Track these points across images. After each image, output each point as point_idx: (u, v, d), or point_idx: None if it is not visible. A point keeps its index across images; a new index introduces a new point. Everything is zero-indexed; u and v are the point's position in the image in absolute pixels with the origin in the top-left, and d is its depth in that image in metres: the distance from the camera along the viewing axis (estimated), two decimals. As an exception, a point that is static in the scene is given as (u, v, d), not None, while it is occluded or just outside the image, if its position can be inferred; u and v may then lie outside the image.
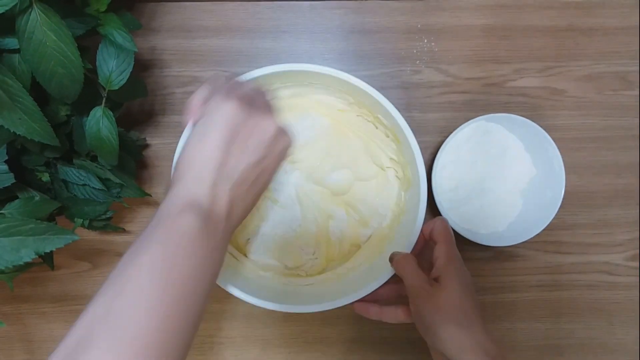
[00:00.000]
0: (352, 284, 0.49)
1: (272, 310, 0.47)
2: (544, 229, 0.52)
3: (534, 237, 0.52)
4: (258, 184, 0.36)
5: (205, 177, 0.33)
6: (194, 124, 0.36)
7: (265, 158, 0.36)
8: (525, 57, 0.58)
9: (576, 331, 0.58)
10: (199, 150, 0.34)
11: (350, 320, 0.57)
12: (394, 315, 0.46)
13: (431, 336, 0.40)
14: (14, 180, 0.43)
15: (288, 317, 0.57)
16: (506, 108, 0.58)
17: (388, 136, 0.53)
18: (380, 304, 0.47)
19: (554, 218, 0.52)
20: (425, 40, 0.58)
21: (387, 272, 0.46)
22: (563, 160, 0.52)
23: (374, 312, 0.47)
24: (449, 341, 0.39)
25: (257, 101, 0.37)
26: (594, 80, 0.59)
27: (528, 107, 0.58)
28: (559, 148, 0.52)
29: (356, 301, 0.47)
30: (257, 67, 0.47)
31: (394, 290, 0.49)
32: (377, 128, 0.54)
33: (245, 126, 0.34)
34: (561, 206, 0.52)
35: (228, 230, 0.34)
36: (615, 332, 0.58)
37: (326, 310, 0.46)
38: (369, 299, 0.47)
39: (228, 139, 0.33)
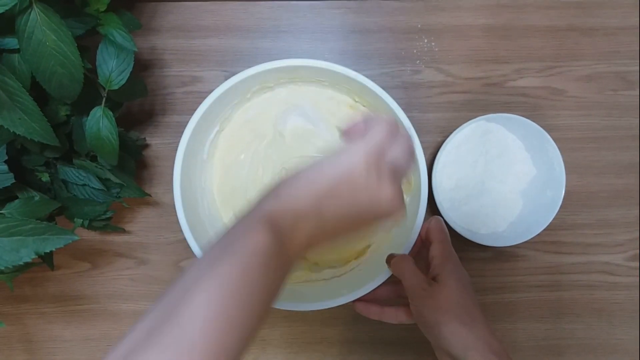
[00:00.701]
0: (350, 284, 0.49)
1: (272, 311, 0.46)
2: (544, 229, 0.52)
3: (534, 237, 0.52)
4: (345, 230, 0.34)
5: (296, 204, 0.31)
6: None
7: (367, 214, 0.33)
8: (526, 57, 0.58)
9: (576, 331, 0.58)
10: (306, 181, 0.32)
11: (350, 321, 0.57)
12: (394, 315, 0.46)
13: (435, 335, 0.40)
14: (14, 180, 0.43)
15: (288, 317, 0.57)
16: (506, 108, 0.58)
17: None
18: (380, 304, 0.47)
19: (554, 218, 0.52)
20: (426, 40, 0.58)
21: (384, 272, 0.47)
22: (563, 160, 0.52)
23: (375, 311, 0.47)
24: (453, 339, 0.39)
25: (397, 165, 0.34)
26: (594, 80, 0.59)
27: (528, 107, 0.58)
28: (559, 148, 0.52)
29: (356, 300, 0.47)
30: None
31: (393, 291, 0.49)
32: None
33: (365, 181, 0.32)
34: (561, 206, 0.52)
35: (294, 259, 0.33)
36: (616, 332, 0.58)
37: (325, 310, 0.46)
38: (368, 298, 0.47)
39: (337, 184, 0.32)
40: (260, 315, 0.30)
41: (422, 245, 0.48)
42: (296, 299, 0.47)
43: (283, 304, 0.46)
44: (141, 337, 0.26)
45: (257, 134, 0.54)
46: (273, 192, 0.33)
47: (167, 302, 0.28)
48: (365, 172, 0.32)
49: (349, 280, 0.52)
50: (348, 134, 0.36)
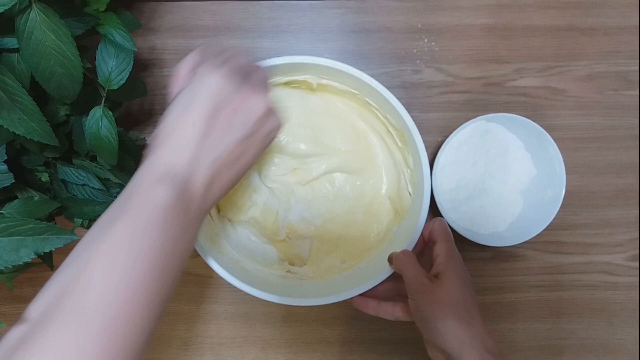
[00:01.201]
0: (351, 281, 0.49)
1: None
2: (544, 229, 0.52)
3: (534, 237, 0.52)
4: (240, 164, 0.34)
5: (185, 149, 0.31)
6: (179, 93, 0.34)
7: (251, 137, 0.34)
8: (526, 57, 0.58)
9: (577, 331, 0.58)
10: (181, 120, 0.32)
11: (349, 321, 0.57)
12: (391, 311, 0.46)
13: (430, 330, 0.40)
14: (14, 180, 0.43)
15: (287, 317, 0.57)
16: (506, 108, 0.58)
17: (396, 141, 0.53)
18: (378, 299, 0.47)
19: (555, 218, 0.52)
20: (426, 40, 0.58)
21: (385, 270, 0.47)
22: (563, 160, 0.52)
23: (371, 306, 0.47)
24: (449, 335, 0.39)
25: (251, 76, 0.35)
26: (595, 80, 0.59)
27: (528, 106, 0.58)
28: (559, 148, 0.52)
29: (355, 296, 0.47)
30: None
31: (393, 289, 0.49)
32: (388, 131, 0.54)
33: (233, 100, 0.33)
34: (562, 206, 0.52)
35: (203, 208, 0.33)
36: (616, 332, 0.58)
37: (325, 310, 0.46)
38: (366, 294, 0.47)
39: (212, 111, 0.32)
40: (170, 274, 0.29)
41: (425, 246, 0.49)
42: (296, 295, 0.47)
43: (283, 298, 0.46)
44: (37, 316, 0.25)
45: None
46: (155, 145, 0.32)
47: (65, 274, 0.27)
48: (228, 87, 0.32)
49: (350, 278, 0.52)
50: (181, 74, 0.36)
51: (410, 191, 0.53)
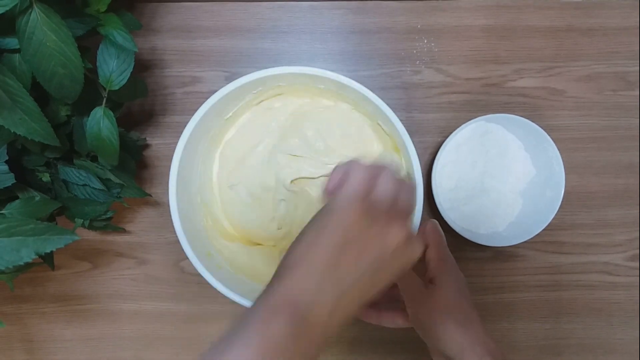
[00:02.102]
0: None
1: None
2: (543, 229, 0.52)
3: (533, 237, 0.52)
4: (366, 294, 0.32)
5: (311, 279, 0.30)
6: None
7: (381, 271, 0.32)
8: (525, 58, 0.58)
9: (576, 331, 0.58)
10: (310, 252, 0.31)
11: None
12: (392, 320, 0.45)
13: (430, 337, 0.40)
14: (15, 181, 0.43)
15: (288, 317, 0.57)
16: (506, 108, 0.58)
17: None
18: (377, 308, 0.47)
19: (554, 218, 0.52)
20: (425, 41, 0.58)
21: None
22: (563, 161, 0.52)
23: (372, 316, 0.46)
24: (449, 340, 0.39)
25: (396, 201, 0.33)
26: (594, 80, 0.59)
27: (528, 107, 0.58)
28: (558, 148, 0.52)
29: None
30: (257, 68, 0.47)
31: (389, 295, 0.48)
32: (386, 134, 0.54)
33: (367, 234, 0.31)
34: (561, 206, 0.52)
35: (325, 336, 0.31)
36: (615, 332, 0.58)
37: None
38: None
39: (342, 244, 0.31)
40: None
41: None
42: None
43: None
44: None
45: (261, 135, 0.54)
46: (281, 271, 0.32)
47: None
48: (364, 221, 0.31)
49: None
50: (330, 191, 0.34)
51: None
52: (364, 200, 0.32)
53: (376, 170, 0.34)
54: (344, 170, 0.34)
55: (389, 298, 0.48)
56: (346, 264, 0.31)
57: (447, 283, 0.42)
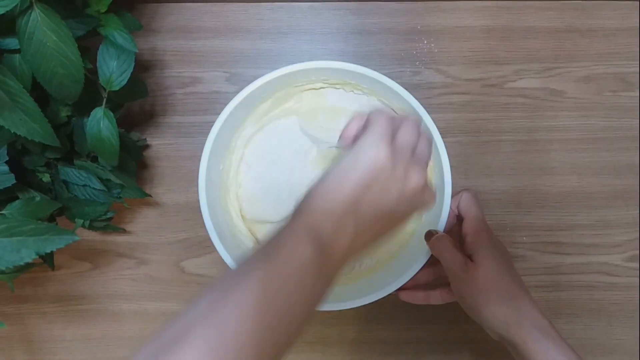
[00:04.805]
0: (390, 275, 0.48)
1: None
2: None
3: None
4: (384, 229, 0.35)
5: (334, 210, 0.32)
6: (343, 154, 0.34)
7: (398, 212, 0.34)
8: (525, 58, 0.58)
9: (575, 331, 0.58)
10: (336, 186, 0.33)
11: (350, 321, 0.57)
12: (440, 297, 0.46)
13: (476, 316, 0.41)
14: (15, 181, 0.43)
15: (288, 317, 0.57)
16: (505, 109, 0.58)
17: None
18: (424, 289, 0.47)
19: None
20: (425, 41, 0.58)
21: (421, 258, 0.45)
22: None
23: (420, 297, 0.47)
24: (494, 318, 0.39)
25: (416, 149, 0.35)
26: (594, 81, 0.59)
27: (527, 108, 0.58)
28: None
29: (399, 290, 0.46)
30: (257, 69, 0.47)
31: (432, 274, 0.48)
32: None
33: (392, 174, 0.33)
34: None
35: (342, 264, 0.33)
36: (615, 332, 0.58)
37: (325, 310, 0.46)
38: (410, 285, 0.46)
39: (369, 181, 0.32)
40: (298, 323, 0.30)
41: (456, 220, 0.47)
42: (335, 298, 0.46)
43: (332, 304, 0.46)
44: (173, 335, 0.26)
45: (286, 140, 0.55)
46: (305, 204, 0.33)
47: (204, 303, 0.28)
48: (389, 162, 0.32)
49: (388, 271, 0.51)
50: (349, 137, 0.36)
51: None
52: (391, 143, 0.33)
53: (398, 118, 0.36)
54: (364, 118, 0.35)
55: (433, 276, 0.48)
56: (368, 202, 0.32)
57: (486, 260, 0.40)
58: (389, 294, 0.46)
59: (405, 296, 0.47)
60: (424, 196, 0.35)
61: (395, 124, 0.35)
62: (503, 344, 0.40)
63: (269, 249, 0.31)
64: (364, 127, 0.35)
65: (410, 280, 0.46)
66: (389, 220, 0.34)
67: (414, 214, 0.36)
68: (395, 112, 0.50)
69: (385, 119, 0.34)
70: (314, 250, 0.30)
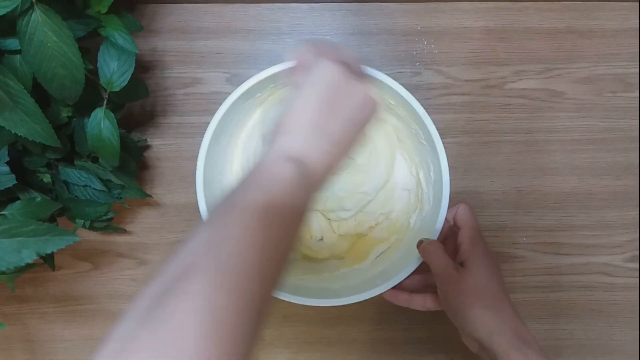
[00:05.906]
0: (377, 277, 0.49)
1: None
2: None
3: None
4: (347, 143, 0.38)
5: (307, 135, 0.35)
6: (296, 84, 0.38)
7: (360, 114, 0.38)
8: (525, 59, 0.59)
9: (575, 332, 0.58)
10: (302, 112, 0.36)
11: (349, 321, 0.57)
12: (422, 302, 0.46)
13: (460, 320, 0.41)
14: (15, 182, 0.43)
15: (288, 317, 0.57)
16: (505, 110, 0.58)
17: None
18: (408, 291, 0.47)
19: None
20: (425, 42, 0.58)
21: (412, 263, 0.46)
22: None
23: (403, 299, 0.47)
24: (478, 323, 0.39)
25: (354, 67, 0.39)
26: (593, 82, 0.59)
27: (527, 108, 0.58)
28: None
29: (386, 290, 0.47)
30: (257, 70, 0.47)
31: (421, 281, 0.49)
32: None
33: (344, 89, 0.36)
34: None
35: (317, 186, 0.35)
36: (614, 333, 0.58)
37: (325, 310, 0.46)
38: (397, 289, 0.47)
39: (330, 98, 0.36)
40: (289, 241, 0.32)
41: (450, 231, 0.48)
42: (325, 295, 0.47)
43: (313, 300, 0.46)
44: (178, 269, 0.27)
45: None
46: (278, 132, 0.35)
47: (203, 235, 0.29)
48: (344, 78, 0.36)
49: (377, 273, 0.52)
50: (297, 68, 0.39)
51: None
52: (341, 62, 0.37)
53: (335, 45, 0.41)
54: (308, 48, 0.39)
55: (422, 284, 0.49)
56: (334, 116, 0.36)
57: (477, 266, 0.41)
58: (375, 296, 0.46)
59: (388, 295, 0.48)
60: (370, 105, 0.38)
61: (336, 49, 0.39)
62: (480, 356, 0.40)
63: (251, 180, 0.32)
64: (304, 63, 0.39)
65: (398, 284, 0.47)
66: (352, 128, 0.37)
67: (367, 123, 0.39)
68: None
69: (329, 45, 0.39)
70: (298, 171, 0.33)
